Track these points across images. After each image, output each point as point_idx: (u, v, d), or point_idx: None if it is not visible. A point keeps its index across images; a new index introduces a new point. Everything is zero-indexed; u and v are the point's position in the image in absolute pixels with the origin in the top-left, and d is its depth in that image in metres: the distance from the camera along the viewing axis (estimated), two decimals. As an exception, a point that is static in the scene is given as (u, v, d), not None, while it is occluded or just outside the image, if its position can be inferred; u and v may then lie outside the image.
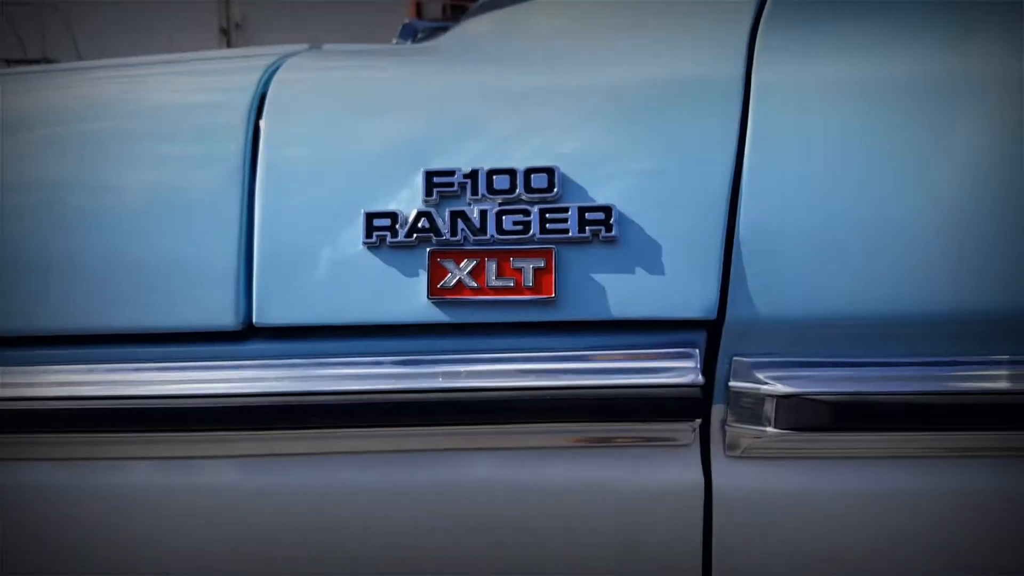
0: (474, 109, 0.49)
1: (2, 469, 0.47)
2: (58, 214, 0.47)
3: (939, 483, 0.45)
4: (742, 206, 0.44)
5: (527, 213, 0.45)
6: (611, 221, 0.44)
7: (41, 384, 0.46)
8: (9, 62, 6.46)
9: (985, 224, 0.44)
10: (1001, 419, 0.44)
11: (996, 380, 0.43)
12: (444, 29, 0.73)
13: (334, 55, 0.60)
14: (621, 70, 0.51)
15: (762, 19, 0.49)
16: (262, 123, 0.48)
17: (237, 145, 0.47)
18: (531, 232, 0.45)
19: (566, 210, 0.45)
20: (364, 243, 0.45)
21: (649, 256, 0.44)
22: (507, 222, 0.45)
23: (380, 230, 0.45)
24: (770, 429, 0.44)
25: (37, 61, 6.10)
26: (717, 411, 0.45)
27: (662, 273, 0.44)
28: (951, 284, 0.43)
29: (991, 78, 0.46)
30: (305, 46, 0.61)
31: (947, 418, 0.44)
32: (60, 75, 0.60)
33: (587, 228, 0.44)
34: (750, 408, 0.44)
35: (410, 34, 0.83)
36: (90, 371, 0.45)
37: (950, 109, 0.45)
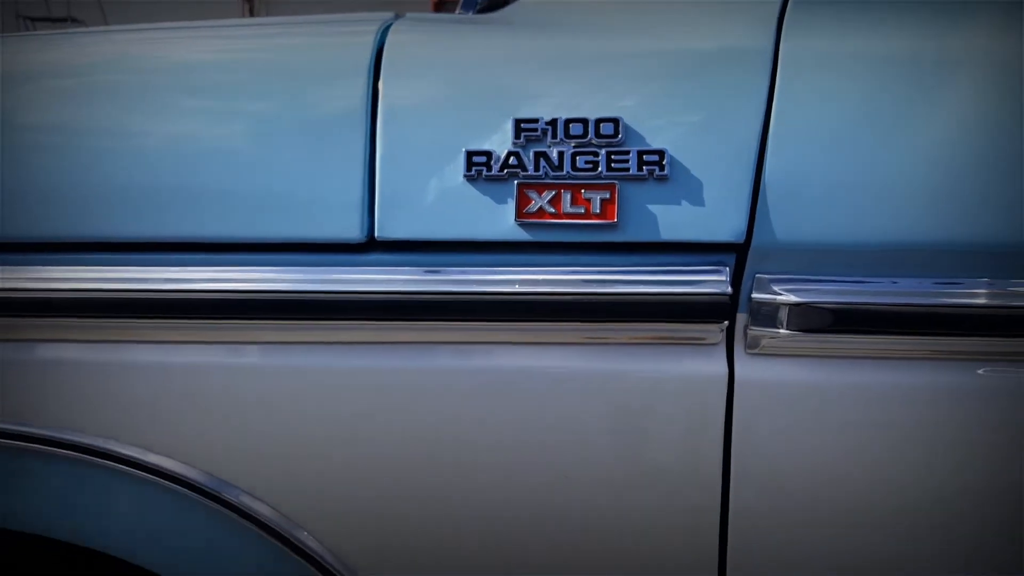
0: (552, 69, 0.60)
1: (169, 350, 0.59)
2: (220, 141, 0.59)
3: (923, 381, 0.57)
4: (768, 153, 0.55)
5: (596, 154, 0.56)
6: (664, 162, 0.55)
7: (201, 280, 0.58)
8: (33, 20, 6.51)
9: (964, 173, 0.55)
10: (974, 327, 0.55)
11: (972, 297, 0.54)
12: (505, 2, 0.83)
13: (428, 21, 0.70)
14: (670, 39, 0.62)
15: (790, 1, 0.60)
16: (381, 73, 0.59)
17: (361, 91, 0.58)
18: (599, 170, 0.56)
19: (627, 153, 0.56)
20: (464, 175, 0.57)
21: (692, 192, 0.56)
22: (580, 161, 0.56)
23: (478, 165, 0.56)
24: (782, 331, 0.55)
25: (63, 20, 6.15)
26: (741, 318, 0.57)
27: (703, 205, 0.55)
28: (938, 219, 0.55)
29: (981, 52, 0.57)
30: (392, 14, 0.71)
31: (929, 325, 0.55)
32: (206, 30, 0.71)
33: (644, 167, 0.56)
34: (768, 315, 0.55)
35: (471, 6, 0.93)
36: (245, 271, 0.57)
37: (945, 78, 0.56)
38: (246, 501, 0.59)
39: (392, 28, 0.62)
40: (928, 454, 0.58)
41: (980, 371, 0.56)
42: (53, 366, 0.60)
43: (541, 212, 0.56)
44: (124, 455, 0.60)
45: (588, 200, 0.56)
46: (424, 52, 0.62)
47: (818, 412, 0.57)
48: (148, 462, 0.59)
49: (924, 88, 0.57)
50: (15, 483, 0.62)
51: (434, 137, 0.57)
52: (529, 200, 0.56)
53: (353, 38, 0.62)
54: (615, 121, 0.56)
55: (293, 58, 0.63)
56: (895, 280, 0.55)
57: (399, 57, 0.60)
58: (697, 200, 0.56)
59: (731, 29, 0.61)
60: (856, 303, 0.55)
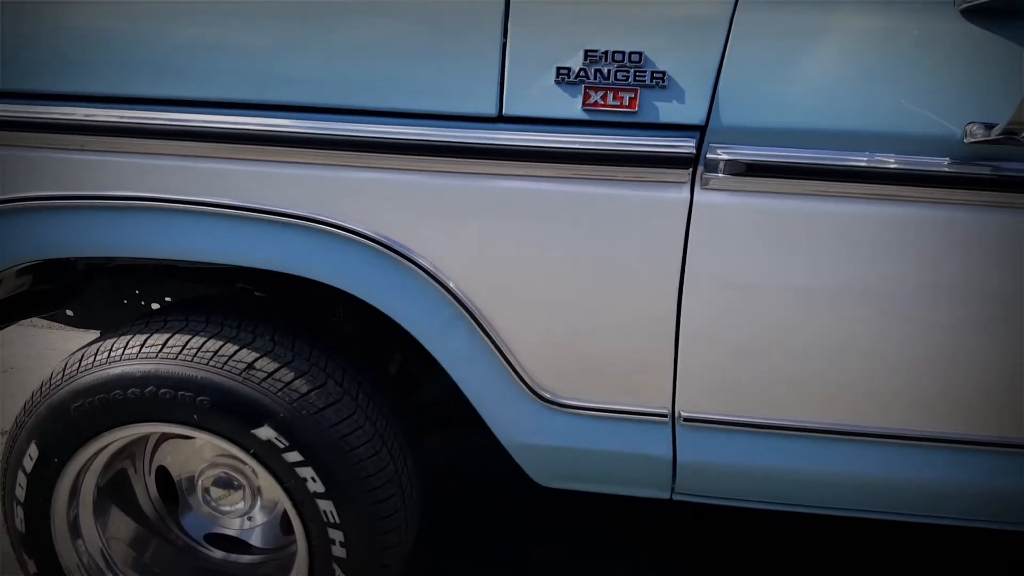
0: (588, 23, 1.07)
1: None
2: (392, 39, 1.06)
3: (808, 208, 1.04)
4: (722, 74, 1.02)
5: (628, 71, 1.03)
6: (664, 79, 1.02)
7: (424, 135, 1.05)
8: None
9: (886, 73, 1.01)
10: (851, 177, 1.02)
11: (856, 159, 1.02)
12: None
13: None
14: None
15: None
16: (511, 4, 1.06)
17: (500, 8, 1.05)
18: (629, 80, 1.03)
19: (645, 72, 1.03)
20: (554, 80, 1.04)
21: (681, 95, 1.03)
22: (618, 75, 1.03)
23: (562, 73, 1.03)
24: (720, 175, 1.03)
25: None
26: (700, 169, 1.05)
27: (685, 103, 1.03)
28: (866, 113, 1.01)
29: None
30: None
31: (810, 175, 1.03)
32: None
33: (653, 79, 1.03)
34: (712, 165, 1.03)
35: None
36: (433, 129, 1.05)
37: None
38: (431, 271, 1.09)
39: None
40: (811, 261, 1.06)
41: (862, 205, 1.03)
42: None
43: (595, 104, 1.04)
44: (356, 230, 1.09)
45: (621, 97, 1.03)
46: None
47: (739, 223, 1.06)
48: (380, 237, 1.08)
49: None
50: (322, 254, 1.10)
51: (540, 49, 1.04)
52: (590, 96, 1.03)
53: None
54: (640, 53, 1.03)
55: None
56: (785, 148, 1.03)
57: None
58: (684, 100, 1.03)
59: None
60: (762, 158, 1.03)
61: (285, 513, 1.37)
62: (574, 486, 1.30)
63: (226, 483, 1.36)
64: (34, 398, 1.19)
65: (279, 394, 1.14)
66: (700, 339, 1.12)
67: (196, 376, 1.13)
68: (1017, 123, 0.94)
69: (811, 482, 1.19)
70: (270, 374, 1.15)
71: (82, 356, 1.18)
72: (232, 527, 1.42)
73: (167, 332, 1.17)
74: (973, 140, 1.00)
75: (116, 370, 1.15)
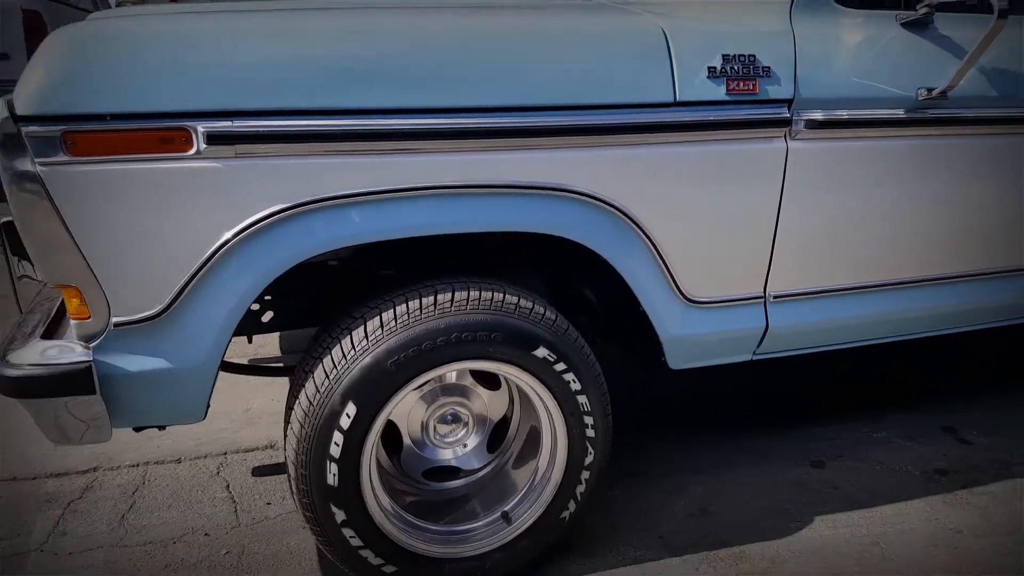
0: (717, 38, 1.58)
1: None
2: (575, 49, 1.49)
3: (867, 147, 1.68)
4: (798, 65, 1.60)
5: (753, 66, 1.56)
6: (769, 72, 1.57)
7: (631, 120, 1.47)
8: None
9: None
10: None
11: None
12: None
13: None
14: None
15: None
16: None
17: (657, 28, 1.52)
18: (752, 72, 1.56)
19: (757, 66, 1.57)
20: (707, 74, 1.53)
21: (775, 78, 1.58)
22: (747, 70, 1.56)
23: (711, 69, 1.53)
24: (804, 130, 1.62)
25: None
26: (794, 125, 1.62)
27: (780, 84, 1.59)
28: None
29: None
30: None
31: (878, 124, 1.66)
32: None
33: (763, 71, 1.57)
34: (799, 124, 1.61)
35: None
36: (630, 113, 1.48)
37: None
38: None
39: None
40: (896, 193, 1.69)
41: (879, 141, 1.68)
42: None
43: (734, 89, 1.56)
44: (574, 191, 1.48)
45: (748, 84, 1.56)
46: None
47: (815, 159, 1.65)
48: (601, 196, 1.49)
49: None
50: (538, 207, 1.46)
51: (695, 57, 1.53)
52: (730, 84, 1.55)
53: None
54: (753, 55, 1.57)
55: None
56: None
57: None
58: (780, 83, 1.59)
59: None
60: (822, 117, 1.63)
61: (493, 432, 1.72)
62: (693, 364, 1.83)
63: (454, 418, 1.66)
64: (336, 367, 1.40)
65: (541, 323, 1.51)
66: (786, 240, 1.71)
67: (487, 319, 1.45)
68: (948, 88, 1.66)
69: (853, 324, 1.86)
70: (531, 310, 1.50)
71: (380, 323, 1.41)
72: (446, 458, 1.72)
73: (447, 292, 1.45)
74: (923, 98, 1.70)
75: (419, 328, 1.42)
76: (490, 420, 1.74)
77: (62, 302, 1.55)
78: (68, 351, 1.31)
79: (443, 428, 1.67)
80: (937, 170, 1.79)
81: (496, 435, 1.77)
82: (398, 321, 1.42)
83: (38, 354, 1.32)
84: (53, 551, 1.78)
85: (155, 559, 1.76)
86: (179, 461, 2.17)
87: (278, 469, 2.14)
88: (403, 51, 1.35)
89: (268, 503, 1.98)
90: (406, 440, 1.68)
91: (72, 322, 1.33)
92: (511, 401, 1.74)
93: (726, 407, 2.54)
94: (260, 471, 2.14)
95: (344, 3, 1.59)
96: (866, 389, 2.65)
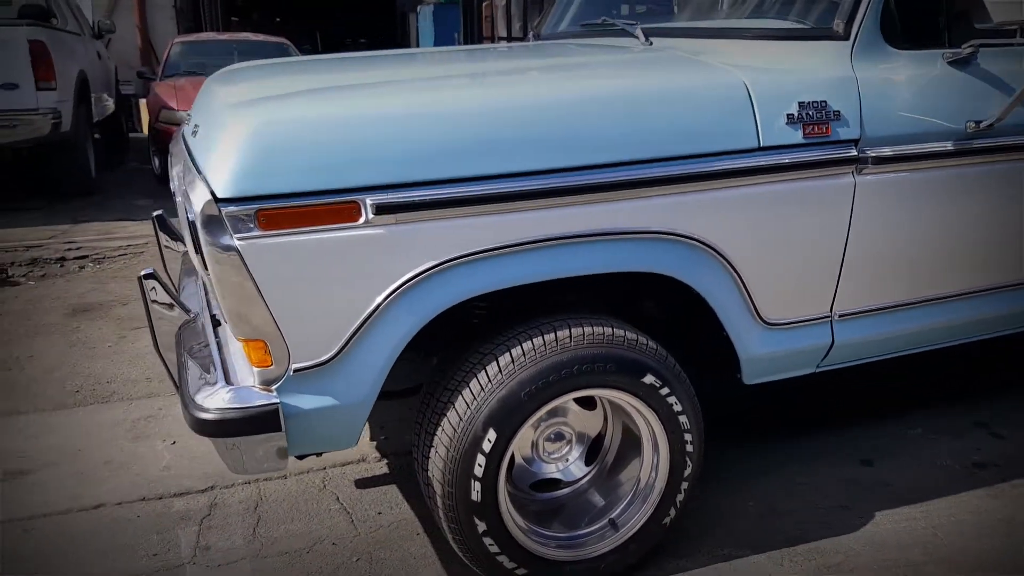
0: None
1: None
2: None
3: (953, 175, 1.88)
4: (863, 107, 1.79)
5: (824, 110, 1.76)
6: (840, 115, 1.77)
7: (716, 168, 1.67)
8: None
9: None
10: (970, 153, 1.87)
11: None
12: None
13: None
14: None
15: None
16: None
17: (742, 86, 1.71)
18: (824, 117, 1.76)
19: (826, 109, 1.76)
20: (786, 121, 1.73)
21: (843, 120, 1.78)
22: (819, 115, 1.75)
23: (789, 115, 1.73)
24: (870, 166, 1.81)
25: None
26: (860, 162, 1.82)
27: (848, 126, 1.78)
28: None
29: None
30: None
31: (958, 155, 1.86)
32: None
33: (831, 114, 1.77)
34: (867, 160, 1.81)
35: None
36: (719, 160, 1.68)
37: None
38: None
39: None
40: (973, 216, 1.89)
41: (937, 171, 1.88)
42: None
43: (809, 132, 1.75)
44: (673, 233, 1.68)
45: (821, 127, 1.76)
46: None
47: (881, 191, 1.85)
48: (697, 236, 1.68)
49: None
50: (647, 249, 1.66)
51: (774, 108, 1.72)
52: (806, 128, 1.74)
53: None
54: (824, 101, 1.76)
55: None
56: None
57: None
58: (849, 125, 1.79)
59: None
60: (884, 153, 1.82)
61: (593, 447, 1.92)
62: (765, 379, 2.03)
63: (556, 436, 1.86)
64: (476, 398, 1.60)
65: (647, 353, 1.71)
66: (852, 265, 1.92)
67: (602, 352, 1.65)
68: (996, 121, 1.86)
69: (909, 335, 2.07)
70: (636, 341, 1.70)
71: (511, 357, 1.61)
72: (550, 471, 1.92)
73: (564, 328, 1.65)
74: (972, 130, 1.90)
75: (546, 362, 1.62)
76: (587, 436, 1.94)
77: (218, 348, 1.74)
78: (255, 395, 1.51)
79: (550, 446, 1.88)
80: (984, 193, 2.00)
81: (591, 449, 1.97)
82: (527, 357, 1.62)
83: (227, 399, 1.51)
84: (204, 564, 1.98)
85: (295, 568, 1.96)
86: (286, 477, 2.37)
87: (376, 481, 2.34)
88: (534, 120, 1.55)
89: (379, 512, 2.19)
90: (517, 459, 1.88)
91: (255, 370, 1.52)
92: (605, 419, 1.94)
93: (768, 413, 2.75)
94: (361, 483, 2.34)
95: (462, 70, 1.78)
96: (898, 389, 2.86)
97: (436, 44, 10.42)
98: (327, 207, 1.42)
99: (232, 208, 1.38)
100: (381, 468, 2.41)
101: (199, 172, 1.49)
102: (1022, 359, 3.08)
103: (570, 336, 1.65)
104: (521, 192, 1.52)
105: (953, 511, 2.16)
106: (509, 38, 11.57)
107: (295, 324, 1.47)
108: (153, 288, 1.82)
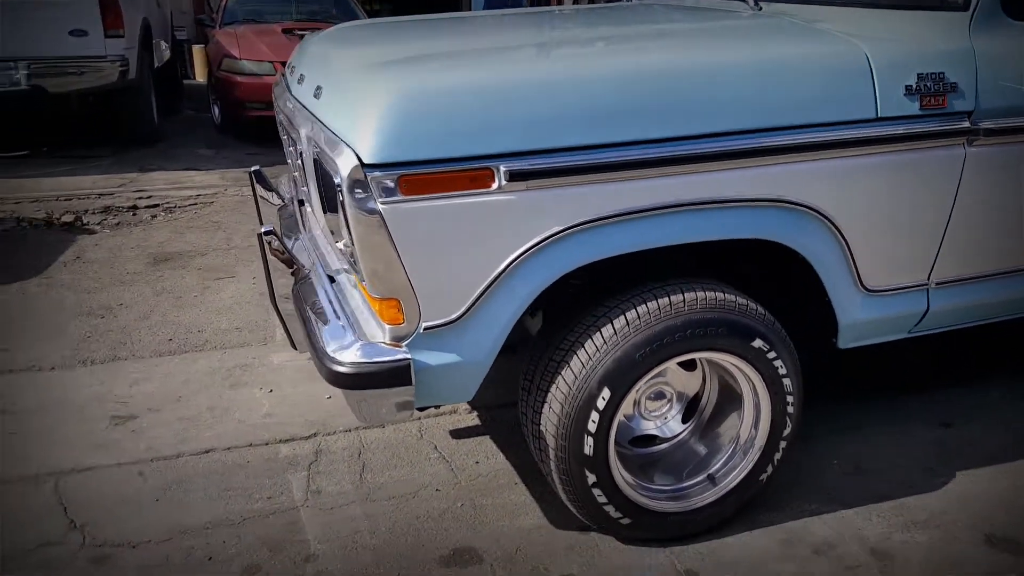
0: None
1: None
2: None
3: None
4: (979, 79, 1.78)
5: (942, 83, 1.75)
6: (954, 85, 1.75)
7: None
8: None
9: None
10: None
11: None
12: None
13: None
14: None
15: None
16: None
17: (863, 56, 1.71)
18: (942, 89, 1.75)
19: (944, 81, 1.75)
20: (904, 92, 1.72)
21: (959, 93, 1.77)
22: (937, 87, 1.74)
23: (907, 87, 1.72)
24: (981, 137, 1.81)
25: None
26: (973, 134, 1.81)
27: (964, 98, 1.77)
28: None
29: None
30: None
31: None
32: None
33: (947, 86, 1.76)
34: (978, 132, 1.80)
35: None
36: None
37: None
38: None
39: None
40: None
41: None
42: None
43: (926, 104, 1.75)
44: (790, 201, 1.70)
45: (938, 99, 1.75)
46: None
47: (990, 163, 1.84)
48: (809, 204, 1.71)
49: None
50: (761, 216, 1.69)
51: (893, 80, 1.71)
52: (924, 100, 1.74)
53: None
54: (943, 72, 1.75)
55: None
56: None
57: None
58: (964, 97, 1.78)
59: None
60: (998, 125, 1.81)
61: (689, 405, 1.99)
62: (859, 343, 2.06)
63: (657, 395, 1.93)
64: (592, 358, 1.67)
65: (756, 318, 1.76)
66: (953, 234, 1.92)
67: (714, 316, 1.71)
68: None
69: (1000, 303, 2.08)
70: (747, 306, 1.75)
71: (625, 320, 1.67)
72: (649, 428, 2.00)
73: (678, 293, 1.70)
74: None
75: (660, 326, 1.68)
76: (686, 395, 2.01)
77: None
78: (387, 350, 1.59)
79: (651, 404, 1.95)
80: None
81: (687, 408, 2.04)
82: (641, 320, 1.68)
83: (360, 354, 1.60)
84: (317, 507, 2.11)
85: (405, 511, 2.08)
86: (383, 426, 2.48)
87: (470, 432, 2.45)
88: (662, 88, 1.58)
89: (476, 462, 2.30)
90: (619, 417, 1.95)
91: (387, 327, 1.60)
92: (703, 379, 2.00)
93: (843, 376, 2.78)
94: (456, 434, 2.45)
95: (580, 35, 1.79)
96: (978, 353, 2.87)
97: (487, 7, 10.21)
98: (464, 173, 1.47)
99: (378, 174, 1.44)
100: (473, 420, 2.51)
101: (337, 136, 1.54)
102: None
103: (683, 300, 1.70)
104: (644, 160, 1.56)
105: (1036, 473, 2.20)
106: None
107: (428, 284, 1.55)
108: (271, 243, 1.90)
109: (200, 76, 9.93)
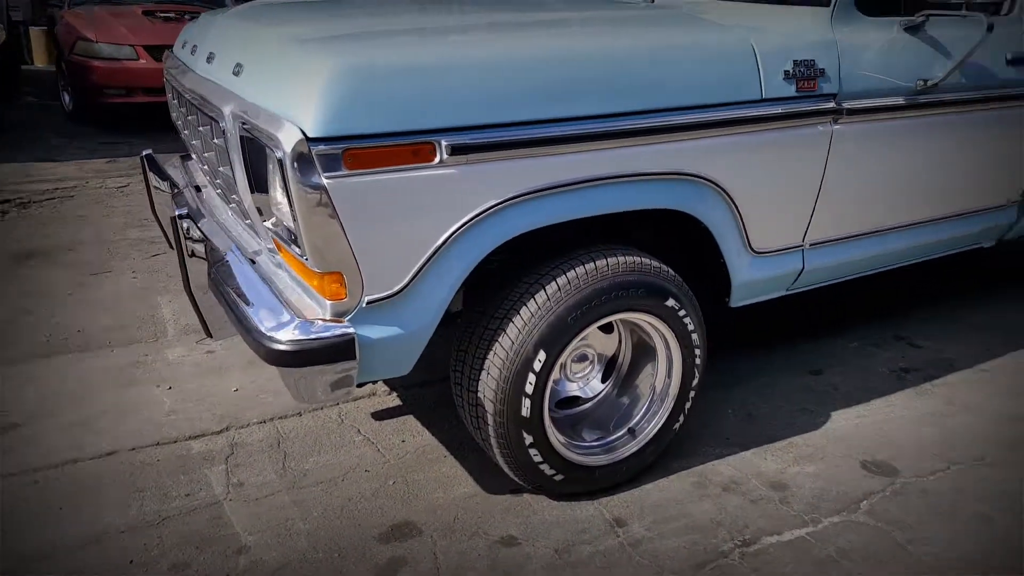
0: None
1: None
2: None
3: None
4: (841, 66, 2.04)
5: (810, 69, 1.99)
6: (820, 70, 2.00)
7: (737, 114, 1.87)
8: None
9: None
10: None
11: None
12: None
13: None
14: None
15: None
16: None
17: (750, 50, 1.91)
18: (811, 73, 1.99)
19: (816, 68, 2.00)
20: (783, 76, 1.94)
21: (826, 78, 2.02)
22: (806, 72, 1.98)
23: (786, 71, 1.94)
24: (844, 116, 2.07)
25: None
26: (838, 113, 2.07)
27: (830, 82, 2.02)
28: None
29: None
30: None
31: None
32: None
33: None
34: (841, 112, 2.07)
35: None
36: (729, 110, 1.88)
37: None
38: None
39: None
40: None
41: (896, 121, 2.16)
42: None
43: (801, 87, 1.98)
44: (693, 174, 1.88)
45: (811, 83, 1.99)
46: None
47: (853, 137, 2.12)
48: (708, 176, 1.89)
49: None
50: (667, 189, 1.85)
51: (774, 64, 1.93)
52: (799, 84, 1.97)
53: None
54: (813, 60, 1.99)
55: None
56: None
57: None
58: (830, 81, 2.03)
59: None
60: (856, 106, 2.09)
61: (606, 368, 2.13)
62: (747, 302, 2.30)
63: (581, 357, 2.06)
64: (527, 323, 1.75)
65: (668, 279, 1.92)
66: (824, 200, 2.19)
67: (635, 279, 1.84)
68: (941, 80, 2.17)
69: (863, 260, 2.40)
70: (660, 269, 1.91)
71: (557, 286, 1.77)
72: (572, 390, 2.12)
73: (602, 259, 1.82)
74: (920, 87, 2.20)
75: (589, 289, 1.79)
76: (605, 356, 2.15)
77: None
78: (329, 326, 1.59)
79: (576, 366, 2.07)
80: (929, 141, 2.32)
81: (605, 369, 2.19)
82: (572, 285, 1.79)
83: (300, 331, 1.59)
84: (242, 499, 2.05)
85: (335, 495, 2.08)
86: (300, 415, 2.44)
87: (392, 412, 2.47)
88: (589, 69, 1.69)
89: (403, 440, 2.32)
90: (553, 377, 2.05)
91: (328, 302, 1.60)
92: (619, 340, 2.15)
93: (727, 332, 3.07)
94: (378, 416, 2.46)
95: (505, 18, 1.86)
96: (831, 309, 3.26)
97: None
98: (407, 147, 1.51)
99: (322, 147, 1.44)
100: (393, 401, 2.53)
101: (274, 112, 1.52)
102: (928, 281, 3.56)
103: (607, 265, 1.83)
104: (571, 136, 1.67)
105: (891, 409, 2.55)
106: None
107: (372, 257, 1.57)
108: (188, 228, 1.83)
109: (40, 61, 9.00)
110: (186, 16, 6.27)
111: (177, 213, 1.84)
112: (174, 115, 2.40)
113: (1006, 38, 2.41)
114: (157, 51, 5.83)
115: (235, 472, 2.17)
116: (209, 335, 2.04)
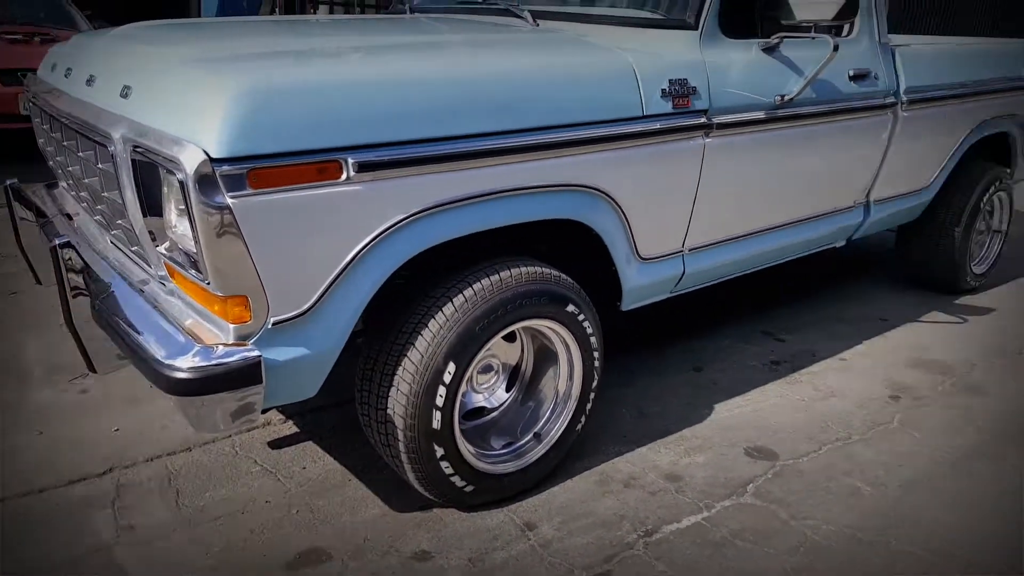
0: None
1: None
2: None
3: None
4: (711, 84, 2.22)
5: (683, 87, 2.15)
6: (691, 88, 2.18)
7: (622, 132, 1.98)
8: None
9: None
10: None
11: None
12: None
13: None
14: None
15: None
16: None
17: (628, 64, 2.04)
18: (684, 92, 2.15)
19: (689, 87, 2.16)
20: (661, 95, 2.09)
21: (698, 95, 2.20)
22: (681, 90, 2.14)
23: (663, 90, 2.09)
24: (715, 130, 2.26)
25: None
26: (708, 128, 2.25)
27: (702, 99, 2.20)
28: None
29: None
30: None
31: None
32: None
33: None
34: (711, 127, 2.25)
35: None
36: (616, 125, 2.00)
37: None
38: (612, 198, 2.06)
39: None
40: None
41: (760, 133, 2.37)
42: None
43: (677, 104, 2.13)
44: (586, 185, 1.98)
45: (685, 101, 2.15)
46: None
47: (724, 151, 2.31)
48: (599, 187, 1.99)
49: None
50: (564, 199, 1.93)
51: (653, 84, 2.07)
52: (675, 101, 2.13)
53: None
54: (686, 79, 2.16)
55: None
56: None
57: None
58: (702, 98, 2.21)
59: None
60: (725, 120, 2.28)
61: (509, 377, 2.19)
62: (636, 305, 2.44)
63: (486, 368, 2.09)
64: (436, 336, 1.77)
65: (567, 287, 2.00)
66: (699, 208, 2.37)
67: (538, 288, 1.91)
68: (795, 96, 2.41)
69: (739, 261, 2.60)
70: (560, 278, 1.98)
71: (464, 298, 1.80)
72: (478, 401, 2.15)
73: (506, 270, 1.87)
74: (778, 102, 2.43)
75: (496, 299, 1.83)
76: (509, 365, 2.20)
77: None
78: (232, 351, 1.53)
79: (481, 377, 2.11)
80: (789, 151, 2.57)
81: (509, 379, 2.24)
82: (478, 296, 1.83)
83: (201, 357, 1.52)
84: (134, 543, 1.91)
85: (237, 528, 1.98)
86: (190, 449, 2.31)
87: (289, 440, 2.39)
88: (490, 88, 1.75)
89: (303, 467, 2.25)
90: (462, 389, 2.07)
91: (231, 326, 1.54)
92: (522, 348, 2.21)
93: (618, 336, 3.23)
94: (275, 444, 2.37)
95: (406, 40, 1.88)
96: (708, 309, 3.50)
97: (220, 13, 9.57)
98: (312, 165, 1.49)
99: (226, 168, 1.40)
100: (290, 428, 2.45)
101: (171, 134, 1.45)
102: (786, 281, 3.90)
103: (511, 276, 1.89)
104: (474, 151, 1.72)
105: (766, 398, 2.78)
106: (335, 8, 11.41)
107: (278, 278, 1.53)
108: (69, 259, 1.71)
109: None
110: (35, 38, 5.86)
111: (58, 242, 1.71)
112: (42, 141, 2.22)
113: (849, 57, 2.72)
114: (5, 75, 5.51)
115: (124, 515, 2.02)
116: (93, 370, 1.90)
